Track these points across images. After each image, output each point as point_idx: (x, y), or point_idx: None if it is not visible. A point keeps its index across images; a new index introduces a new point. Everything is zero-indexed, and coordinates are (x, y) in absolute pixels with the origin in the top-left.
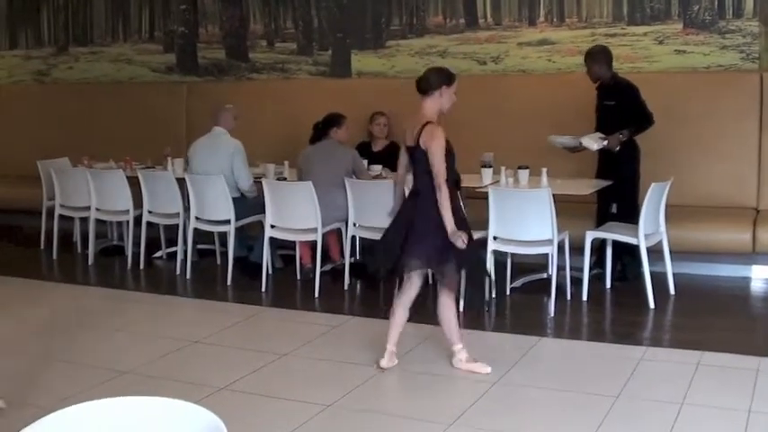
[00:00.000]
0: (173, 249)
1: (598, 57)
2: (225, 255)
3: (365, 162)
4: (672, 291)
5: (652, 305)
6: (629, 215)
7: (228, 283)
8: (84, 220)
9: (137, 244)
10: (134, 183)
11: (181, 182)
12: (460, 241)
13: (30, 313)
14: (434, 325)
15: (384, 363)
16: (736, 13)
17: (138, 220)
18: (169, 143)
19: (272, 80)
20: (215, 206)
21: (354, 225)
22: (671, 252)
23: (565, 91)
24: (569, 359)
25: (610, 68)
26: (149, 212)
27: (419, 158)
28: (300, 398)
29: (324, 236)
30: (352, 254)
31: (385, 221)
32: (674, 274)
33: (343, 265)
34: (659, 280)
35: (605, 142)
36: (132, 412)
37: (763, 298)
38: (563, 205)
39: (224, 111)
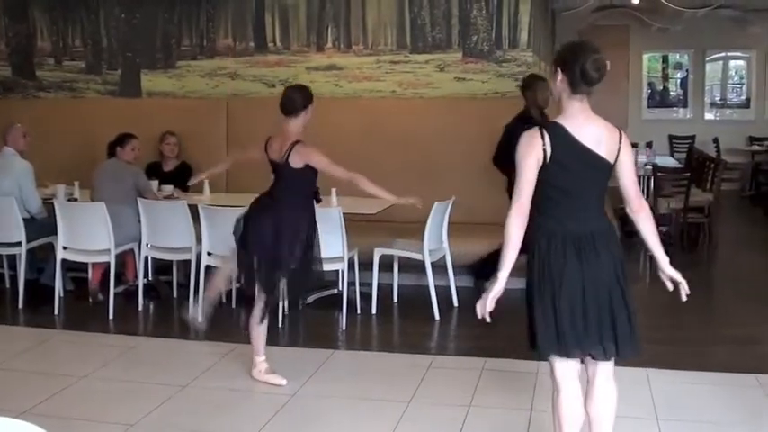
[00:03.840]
0: None
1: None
2: (14, 278)
3: (155, 182)
4: (455, 302)
5: (437, 316)
6: None
7: (20, 306)
8: None
9: None
10: None
11: None
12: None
13: None
14: (232, 342)
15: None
16: (511, 44)
17: None
18: None
19: (60, 99)
20: (5, 228)
21: (147, 245)
22: (454, 266)
23: (351, 115)
24: (362, 370)
25: None
26: None
27: (287, 175)
28: (102, 419)
29: (120, 256)
30: (146, 274)
31: (177, 241)
32: (456, 287)
33: (137, 285)
34: (443, 293)
35: None
36: None
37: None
38: (352, 224)
39: (12, 130)
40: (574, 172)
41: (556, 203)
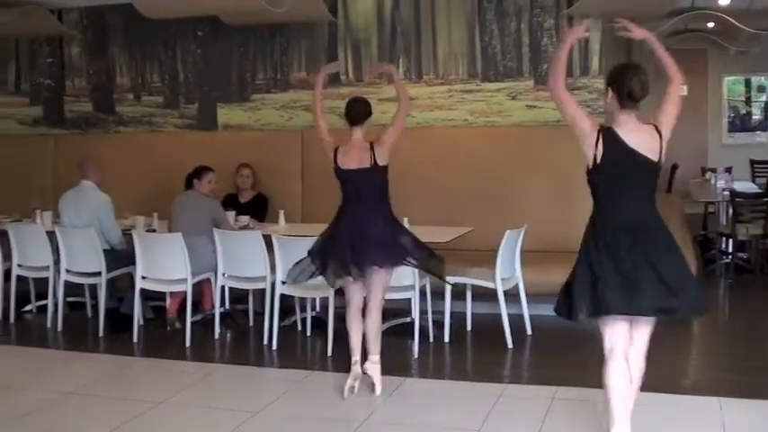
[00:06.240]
0: (43, 303)
1: None
2: (95, 307)
3: (232, 213)
4: (528, 331)
5: (510, 345)
6: None
7: (100, 334)
8: None
9: (6, 298)
10: (2, 236)
11: (50, 235)
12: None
13: None
14: (306, 369)
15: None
16: (583, 71)
17: (7, 273)
18: (36, 196)
19: (139, 133)
20: (86, 258)
21: (223, 275)
22: (527, 294)
23: (424, 143)
24: (433, 397)
25: None
26: (19, 266)
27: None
28: None
29: (197, 286)
30: (222, 303)
31: (252, 271)
32: (530, 316)
33: (214, 314)
34: (516, 321)
35: None
36: None
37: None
38: None
39: (88, 163)
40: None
41: None
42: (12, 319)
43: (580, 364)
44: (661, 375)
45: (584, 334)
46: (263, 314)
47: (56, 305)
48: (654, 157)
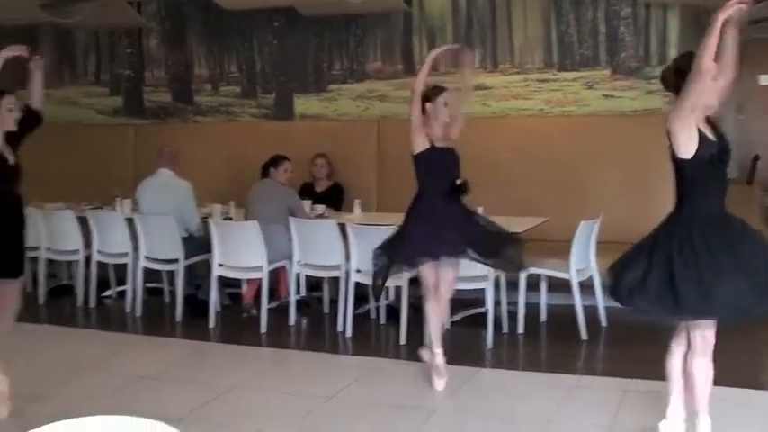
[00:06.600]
0: (122, 288)
1: None
2: (173, 293)
3: (308, 202)
4: (603, 323)
5: (584, 336)
6: None
7: (177, 320)
8: (35, 260)
9: (86, 283)
10: (83, 223)
11: (129, 222)
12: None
13: None
14: (380, 357)
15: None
16: (660, 60)
17: (87, 259)
18: (116, 184)
19: (216, 123)
20: (164, 245)
21: (299, 263)
22: (602, 286)
23: (499, 133)
24: (505, 388)
25: None
26: (99, 252)
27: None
28: (253, 428)
29: (273, 273)
30: (298, 290)
31: (327, 259)
32: (605, 308)
33: (289, 301)
34: (591, 313)
35: None
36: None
37: (686, 328)
38: None
39: (166, 153)
40: None
41: None
42: (92, 303)
43: (655, 357)
44: (737, 371)
45: (660, 327)
46: (338, 302)
47: (134, 291)
48: (675, 149)
